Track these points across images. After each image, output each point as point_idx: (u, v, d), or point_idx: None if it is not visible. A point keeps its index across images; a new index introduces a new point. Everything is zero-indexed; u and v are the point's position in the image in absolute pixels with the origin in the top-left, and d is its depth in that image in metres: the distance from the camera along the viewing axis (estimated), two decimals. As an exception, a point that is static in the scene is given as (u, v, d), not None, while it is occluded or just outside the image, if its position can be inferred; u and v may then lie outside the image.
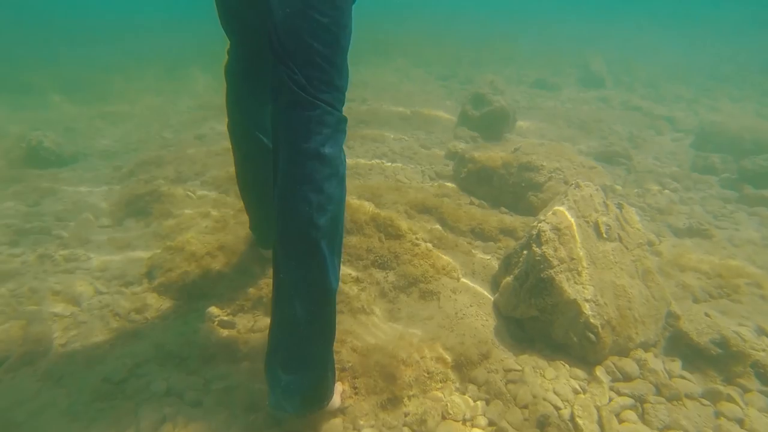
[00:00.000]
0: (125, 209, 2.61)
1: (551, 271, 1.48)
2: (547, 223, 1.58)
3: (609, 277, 1.54)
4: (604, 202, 1.71)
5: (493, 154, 2.72)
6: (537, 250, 1.54)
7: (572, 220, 1.59)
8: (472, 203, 2.63)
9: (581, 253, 1.51)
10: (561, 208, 1.63)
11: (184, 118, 4.35)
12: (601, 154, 3.44)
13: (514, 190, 2.50)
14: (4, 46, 7.66)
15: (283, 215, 1.11)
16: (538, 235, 1.56)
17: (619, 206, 1.74)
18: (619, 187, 2.94)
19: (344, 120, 1.15)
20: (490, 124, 3.65)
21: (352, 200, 2.33)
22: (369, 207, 2.22)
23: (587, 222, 1.62)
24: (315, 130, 1.08)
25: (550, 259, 1.50)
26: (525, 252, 1.70)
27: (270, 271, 1.75)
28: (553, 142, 2.92)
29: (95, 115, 4.49)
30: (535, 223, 1.73)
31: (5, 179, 2.93)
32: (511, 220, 2.38)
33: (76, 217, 2.53)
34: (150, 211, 2.56)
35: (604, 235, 1.60)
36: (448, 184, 2.86)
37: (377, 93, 5.09)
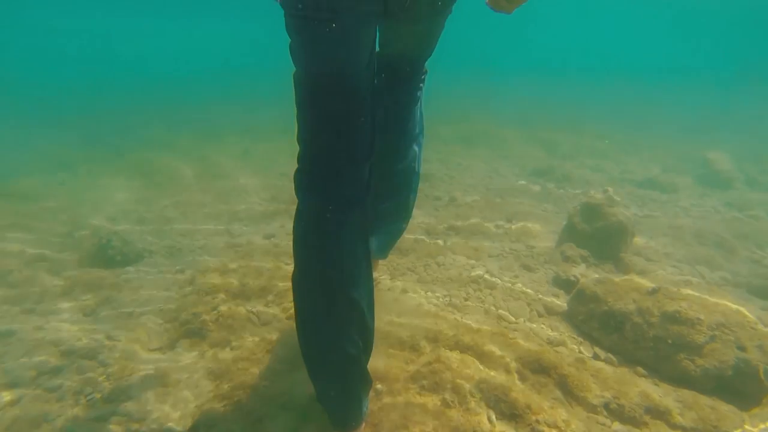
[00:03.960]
0: (180, 329, 2.44)
1: None
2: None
3: None
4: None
5: (621, 293, 2.29)
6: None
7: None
8: (596, 357, 2.18)
9: None
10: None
11: (254, 210, 4.34)
12: (759, 288, 2.86)
13: (656, 347, 2.03)
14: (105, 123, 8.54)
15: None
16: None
17: None
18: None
19: None
20: (604, 241, 3.23)
21: (451, 354, 1.98)
22: (473, 365, 1.85)
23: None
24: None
25: None
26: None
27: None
28: (704, 282, 2.44)
29: (169, 202, 4.62)
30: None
31: (71, 280, 2.92)
32: (659, 393, 1.89)
33: (128, 334, 2.39)
34: (206, 335, 2.38)
35: None
36: (563, 324, 2.44)
37: (465, 191, 4.87)
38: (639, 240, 3.57)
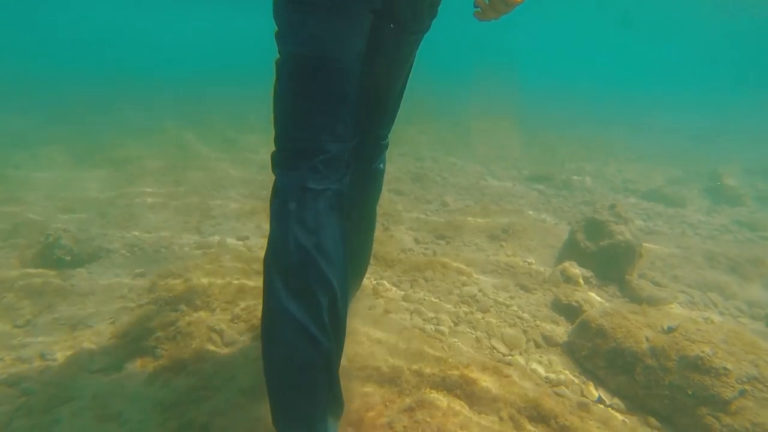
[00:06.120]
0: (130, 346, 2.18)
1: None
2: None
3: None
4: None
5: (632, 329, 2.08)
6: None
7: None
8: (601, 401, 1.97)
9: None
10: None
11: (229, 207, 4.07)
12: (776, 321, 2.68)
13: (673, 396, 1.81)
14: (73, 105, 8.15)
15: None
16: None
17: None
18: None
19: None
20: (609, 261, 3.03)
21: (437, 395, 1.76)
22: (462, 412, 1.63)
23: None
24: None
25: None
26: None
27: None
28: (730, 323, 2.22)
29: (137, 194, 4.33)
30: None
31: (6, 284, 2.63)
32: (675, 452, 1.69)
33: (67, 352, 2.13)
34: (160, 355, 2.12)
35: None
36: (563, 359, 2.23)
37: (458, 194, 4.65)
38: (645, 258, 3.37)
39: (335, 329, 1.34)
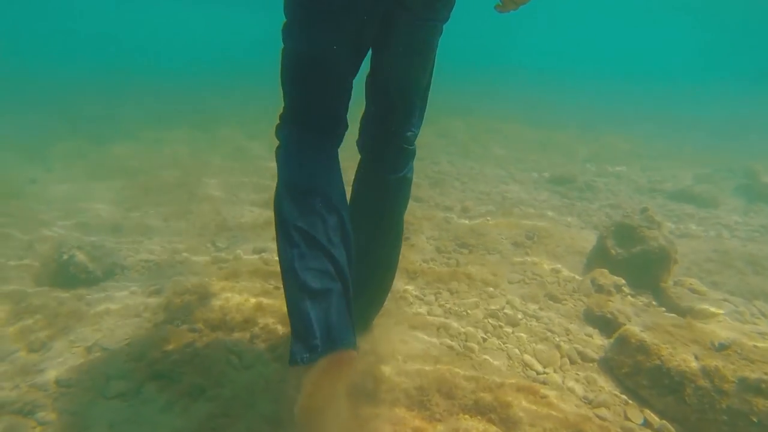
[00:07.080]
0: (147, 370, 2.11)
1: None
2: None
3: None
4: None
5: (677, 345, 1.95)
6: None
7: None
8: (648, 425, 1.84)
9: None
10: None
11: (245, 219, 4.01)
12: (826, 331, 2.51)
13: (733, 423, 1.68)
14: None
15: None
16: None
17: None
18: None
19: None
20: (643, 269, 2.89)
21: (471, 421, 1.65)
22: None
23: None
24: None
25: None
26: None
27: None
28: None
29: (150, 206, 4.29)
30: None
31: (21, 304, 2.58)
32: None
33: (83, 377, 2.06)
34: (179, 379, 2.04)
35: None
36: (601, 376, 2.10)
37: (479, 199, 4.54)
38: (680, 264, 3.21)
39: (345, 247, 1.43)
